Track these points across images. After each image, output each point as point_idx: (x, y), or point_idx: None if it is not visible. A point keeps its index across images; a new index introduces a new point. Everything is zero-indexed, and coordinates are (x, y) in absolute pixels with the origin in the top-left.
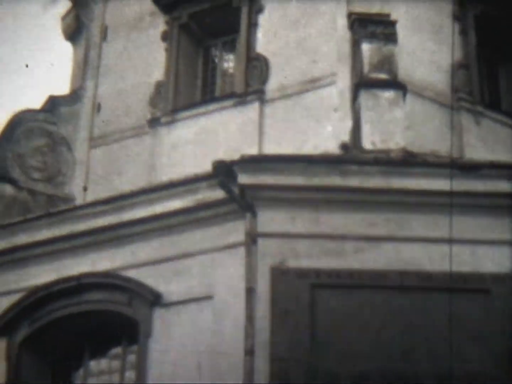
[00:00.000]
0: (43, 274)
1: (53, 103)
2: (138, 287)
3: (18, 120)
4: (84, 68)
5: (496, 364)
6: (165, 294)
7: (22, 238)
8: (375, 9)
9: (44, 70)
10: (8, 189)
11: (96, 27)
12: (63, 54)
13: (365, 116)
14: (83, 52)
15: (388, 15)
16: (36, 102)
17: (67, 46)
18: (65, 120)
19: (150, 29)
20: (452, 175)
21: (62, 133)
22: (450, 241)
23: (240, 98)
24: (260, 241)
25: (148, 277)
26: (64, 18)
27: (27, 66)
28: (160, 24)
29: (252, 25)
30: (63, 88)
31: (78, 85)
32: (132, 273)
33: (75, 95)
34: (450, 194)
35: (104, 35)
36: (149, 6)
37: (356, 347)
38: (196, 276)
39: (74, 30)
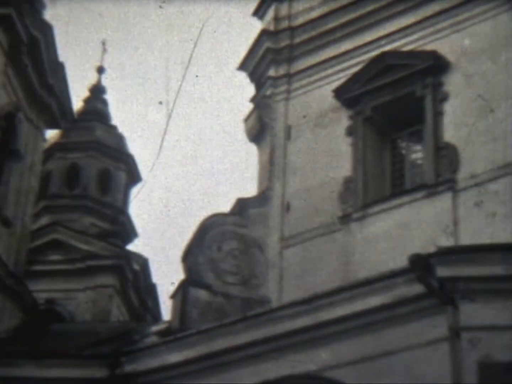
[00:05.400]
0: (242, 379)
1: (242, 205)
2: None
3: (209, 225)
4: (270, 168)
5: None
6: None
7: (220, 343)
8: None
9: (230, 172)
10: (203, 294)
11: (279, 126)
12: (248, 155)
13: None
14: (268, 152)
15: None
16: (224, 205)
17: (251, 147)
18: (255, 222)
19: (334, 124)
20: None
21: (253, 235)
22: None
23: (431, 189)
24: (464, 335)
25: (350, 378)
26: (246, 120)
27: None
28: (343, 119)
29: (438, 114)
30: (250, 189)
31: (266, 186)
32: (333, 374)
33: (263, 196)
34: None
35: (288, 134)
36: (331, 102)
37: None
38: (400, 374)
39: (258, 131)
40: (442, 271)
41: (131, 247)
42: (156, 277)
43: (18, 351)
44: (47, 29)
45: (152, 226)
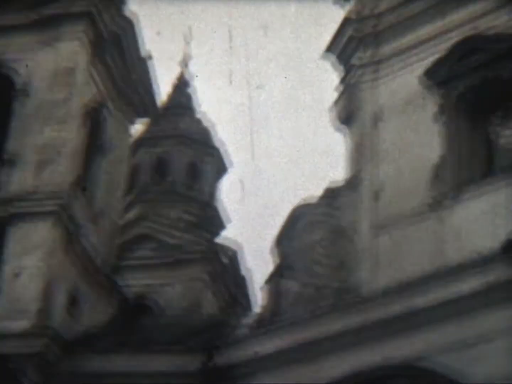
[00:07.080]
0: (335, 369)
1: (331, 194)
2: (437, 378)
3: (299, 214)
4: (359, 155)
5: None
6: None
7: (312, 333)
8: None
9: (318, 158)
10: (294, 284)
11: (367, 112)
12: (335, 141)
13: None
14: (356, 138)
15: None
16: (312, 191)
17: (338, 134)
18: (345, 210)
19: (422, 109)
20: None
21: (342, 223)
22: None
23: None
24: None
25: (445, 366)
26: (334, 106)
27: None
28: (431, 103)
29: None
30: (339, 175)
31: (355, 172)
32: (428, 362)
33: (352, 183)
34: None
35: (375, 120)
36: (418, 86)
37: None
38: (498, 361)
39: (346, 116)
40: None
41: (220, 238)
42: (248, 267)
43: (111, 346)
44: (128, 25)
45: (242, 217)
